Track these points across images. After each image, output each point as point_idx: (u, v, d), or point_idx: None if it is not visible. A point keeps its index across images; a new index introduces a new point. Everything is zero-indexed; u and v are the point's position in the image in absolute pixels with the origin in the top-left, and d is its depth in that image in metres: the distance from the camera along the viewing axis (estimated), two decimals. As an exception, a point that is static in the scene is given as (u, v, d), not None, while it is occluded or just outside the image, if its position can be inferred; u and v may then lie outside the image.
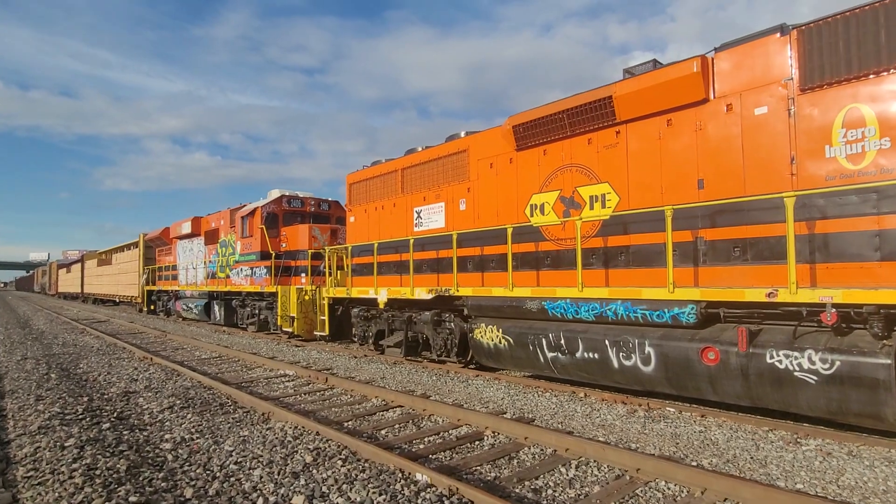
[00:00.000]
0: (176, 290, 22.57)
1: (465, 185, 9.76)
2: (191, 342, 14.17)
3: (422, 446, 5.26)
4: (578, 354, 7.11)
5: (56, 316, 25.31)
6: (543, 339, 7.53)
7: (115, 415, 6.29)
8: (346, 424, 6.11)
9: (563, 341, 7.28)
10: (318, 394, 7.79)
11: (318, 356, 11.74)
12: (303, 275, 15.03)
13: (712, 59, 6.41)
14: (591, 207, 7.66)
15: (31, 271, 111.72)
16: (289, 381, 8.81)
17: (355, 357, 11.54)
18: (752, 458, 4.85)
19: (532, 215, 8.48)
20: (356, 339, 12.07)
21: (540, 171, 8.39)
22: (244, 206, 17.84)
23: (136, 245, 29.56)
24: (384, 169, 11.89)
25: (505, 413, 6.49)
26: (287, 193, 16.40)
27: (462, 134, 10.31)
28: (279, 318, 14.54)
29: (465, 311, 9.12)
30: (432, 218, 10.47)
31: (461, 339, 9.44)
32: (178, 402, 7.06)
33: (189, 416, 6.35)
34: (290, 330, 14.46)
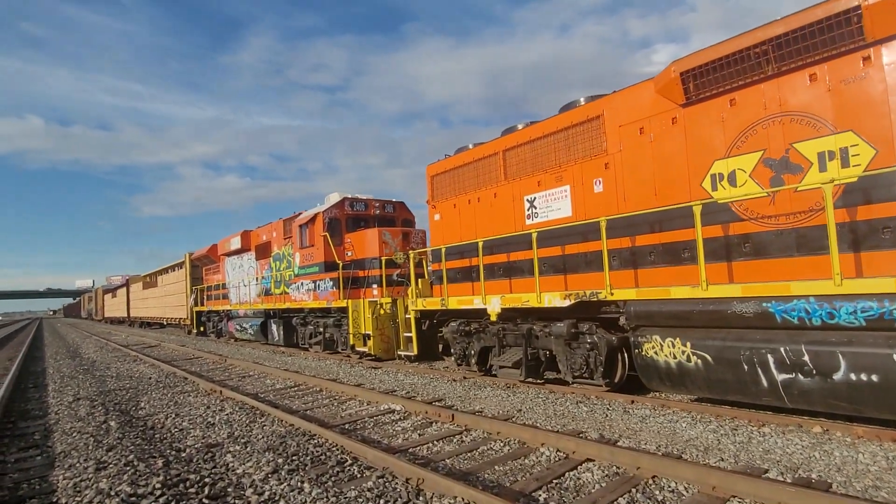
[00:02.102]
0: (228, 310, 21.13)
1: (600, 161, 7.74)
2: (255, 368, 12.49)
3: (712, 549, 3.22)
4: (838, 376, 4.96)
5: (105, 342, 24.25)
6: (769, 356, 5.41)
7: (205, 490, 4.46)
8: (542, 499, 4.13)
9: (806, 357, 5.15)
10: (454, 441, 5.83)
11: (411, 381, 9.84)
12: (374, 286, 13.21)
13: None
14: (823, 168, 5.52)
15: (78, 298, 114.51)
16: (401, 419, 6.90)
17: (454, 381, 9.60)
18: None
19: (715, 189, 6.39)
20: (455, 359, 10.11)
21: (726, 129, 6.31)
22: (299, 214, 16.20)
23: (181, 265, 28.48)
24: (477, 154, 9.98)
25: (767, 471, 4.40)
26: (349, 196, 14.66)
27: (581, 101, 8.33)
28: (351, 336, 12.73)
29: (622, 321, 7.07)
30: (552, 206, 8.47)
31: (608, 356, 7.39)
32: (280, 459, 5.21)
33: (306, 486, 4.47)
34: (363, 350, 12.63)
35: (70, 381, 11.67)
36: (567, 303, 7.49)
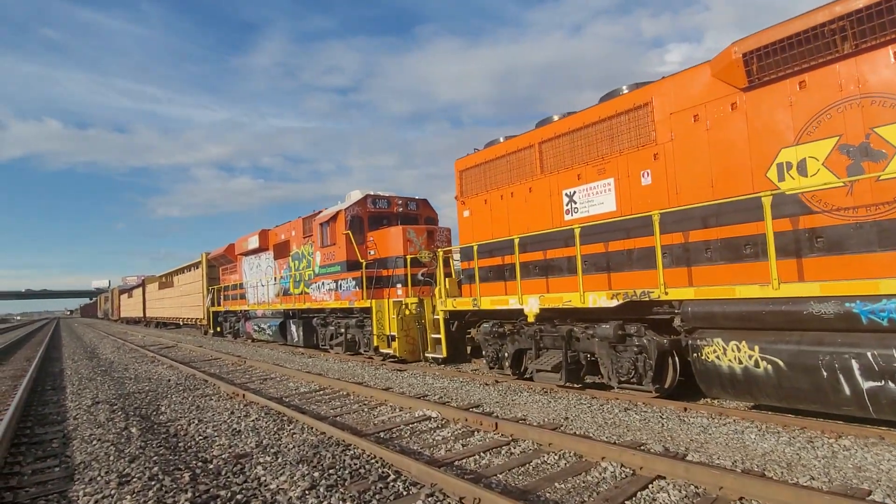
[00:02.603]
0: (245, 311, 20.86)
1: (648, 152, 7.24)
2: (276, 370, 12.13)
3: None
4: (940, 384, 4.44)
5: (122, 343, 24.14)
6: (853, 361, 4.89)
7: (239, 510, 4.05)
8: (617, 524, 3.66)
9: (899, 364, 4.62)
10: (503, 453, 5.37)
11: (441, 385, 9.39)
12: (399, 285, 12.79)
13: None
14: (911, 155, 4.99)
15: (95, 298, 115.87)
16: (439, 427, 6.46)
17: (487, 385, 9.14)
18: None
19: (782, 179, 5.87)
20: (487, 362, 9.64)
21: (794, 114, 5.79)
22: (319, 212, 15.85)
23: (198, 265, 28.33)
24: (510, 147, 9.52)
25: (871, 493, 3.89)
26: (372, 193, 14.27)
27: (624, 89, 7.84)
28: (375, 337, 12.32)
29: (677, 322, 6.57)
30: (594, 200, 7.99)
31: (658, 360, 6.89)
32: (317, 473, 4.79)
33: (348, 506, 4.05)
34: (388, 351, 12.22)
35: (88, 382, 11.39)
36: (614, 303, 7.00)
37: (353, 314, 13.74)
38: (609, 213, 7.70)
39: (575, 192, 8.25)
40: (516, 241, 8.44)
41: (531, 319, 8.27)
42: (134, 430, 6.70)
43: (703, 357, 6.06)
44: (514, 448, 5.46)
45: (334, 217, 14.06)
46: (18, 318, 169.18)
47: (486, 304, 9.10)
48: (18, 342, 30.26)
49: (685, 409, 6.62)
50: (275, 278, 18.75)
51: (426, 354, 11.04)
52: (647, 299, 6.65)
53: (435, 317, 10.77)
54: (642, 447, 5.19)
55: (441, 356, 10.44)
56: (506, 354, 9.24)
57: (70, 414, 7.93)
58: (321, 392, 9.35)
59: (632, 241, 7.41)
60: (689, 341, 6.25)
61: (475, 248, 9.34)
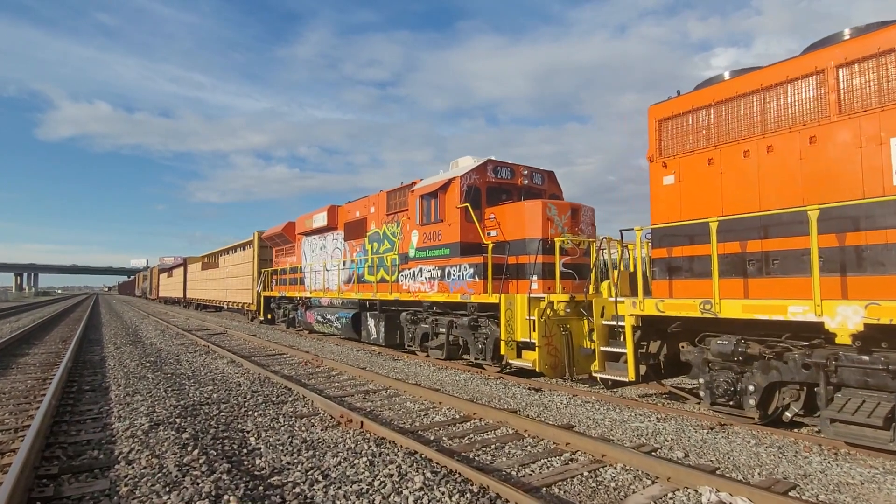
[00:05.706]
0: (307, 298, 18.17)
1: None
2: (369, 377, 9.33)
3: None
4: None
5: (165, 325, 21.86)
6: None
7: None
8: None
9: None
10: None
11: (641, 425, 6.37)
12: (534, 277, 9.79)
13: None
14: None
15: (132, 276, 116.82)
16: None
17: (713, 430, 6.12)
18: None
19: None
20: (710, 396, 6.52)
21: None
22: (413, 183, 12.93)
23: (247, 245, 25.92)
24: (763, 79, 6.38)
25: None
26: (493, 159, 11.27)
27: None
28: (504, 344, 9.34)
29: None
30: (977, 151, 4.79)
31: None
32: None
33: None
34: (521, 363, 9.22)
35: (138, 382, 8.72)
36: None
37: (462, 311, 10.79)
38: None
39: (926, 140, 5.07)
40: (813, 215, 5.28)
41: (843, 340, 5.13)
42: (232, 500, 3.84)
43: None
44: None
45: (444, 187, 11.11)
46: (59, 291, 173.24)
47: (734, 310, 5.97)
48: (56, 317, 28.50)
49: None
50: (344, 262, 16.00)
51: (596, 374, 7.96)
52: None
53: (615, 323, 7.70)
54: None
55: (625, 378, 7.37)
56: (750, 388, 6.13)
57: (119, 448, 5.12)
58: (469, 424, 6.43)
59: None
60: None
61: (713, 225, 6.22)
